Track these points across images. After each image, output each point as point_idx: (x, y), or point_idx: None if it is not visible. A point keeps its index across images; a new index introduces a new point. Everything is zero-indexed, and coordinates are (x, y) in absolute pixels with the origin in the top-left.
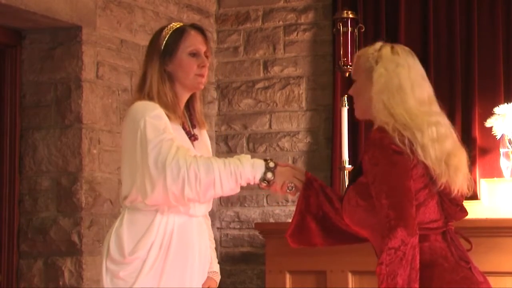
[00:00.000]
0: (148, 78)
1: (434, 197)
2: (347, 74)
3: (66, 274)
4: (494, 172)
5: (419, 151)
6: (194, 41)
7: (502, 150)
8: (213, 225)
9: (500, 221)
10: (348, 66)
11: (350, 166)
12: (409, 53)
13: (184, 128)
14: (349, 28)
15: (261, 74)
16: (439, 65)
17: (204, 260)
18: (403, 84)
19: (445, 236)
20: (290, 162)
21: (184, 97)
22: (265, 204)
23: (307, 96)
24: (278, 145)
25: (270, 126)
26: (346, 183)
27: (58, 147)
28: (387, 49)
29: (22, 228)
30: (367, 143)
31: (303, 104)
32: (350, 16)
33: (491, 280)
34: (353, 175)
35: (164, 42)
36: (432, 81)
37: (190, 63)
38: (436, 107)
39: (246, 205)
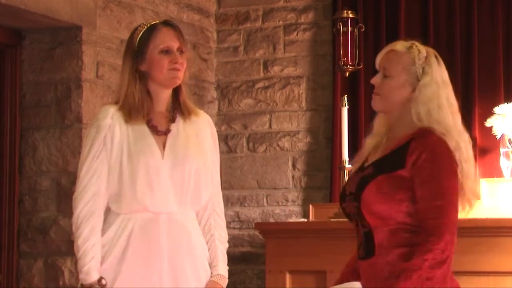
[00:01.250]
0: (120, 79)
1: None
2: (347, 74)
3: (66, 274)
4: (494, 172)
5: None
6: (164, 38)
7: (502, 150)
8: None
9: (500, 221)
10: (348, 66)
11: (350, 165)
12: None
13: (151, 126)
14: (349, 28)
15: (261, 74)
16: None
17: (181, 259)
18: (450, 99)
19: None
20: (290, 162)
21: (163, 94)
22: (265, 204)
23: (307, 96)
24: (278, 145)
25: (270, 126)
26: None
27: (58, 147)
28: (432, 58)
29: (22, 228)
30: (423, 141)
31: (303, 104)
32: (350, 16)
33: (491, 280)
34: (384, 165)
35: (137, 41)
36: None
37: (162, 60)
38: (460, 126)
39: (246, 204)
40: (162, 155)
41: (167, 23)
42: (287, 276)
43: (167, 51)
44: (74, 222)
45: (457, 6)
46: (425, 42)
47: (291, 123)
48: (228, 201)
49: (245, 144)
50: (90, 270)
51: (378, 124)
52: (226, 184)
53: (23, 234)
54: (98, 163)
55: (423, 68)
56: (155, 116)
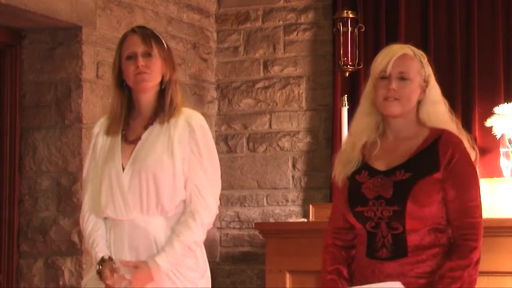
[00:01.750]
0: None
1: None
2: (347, 74)
3: (66, 274)
4: (494, 172)
5: None
6: (129, 44)
7: (502, 150)
8: (213, 225)
9: (500, 221)
10: (348, 66)
11: None
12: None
13: (123, 135)
14: (349, 28)
15: (261, 74)
16: (439, 65)
17: (143, 257)
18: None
19: None
20: (290, 162)
21: (143, 99)
22: (265, 204)
23: (307, 96)
24: (278, 145)
25: (270, 126)
26: None
27: (58, 147)
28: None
29: (22, 228)
30: (450, 142)
31: (303, 104)
32: (350, 16)
33: (491, 280)
34: (418, 168)
35: (117, 48)
36: None
37: (128, 67)
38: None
39: (246, 205)
40: (126, 164)
41: (134, 30)
42: (287, 276)
43: (131, 57)
44: (80, 222)
45: (457, 6)
46: (425, 42)
47: (291, 123)
48: (228, 201)
49: (245, 144)
50: (97, 255)
51: (366, 124)
52: (226, 184)
53: (23, 234)
54: (92, 168)
55: (429, 70)
56: (134, 123)
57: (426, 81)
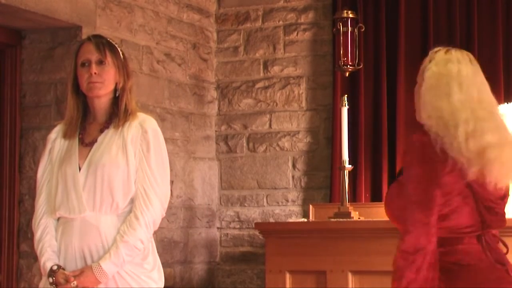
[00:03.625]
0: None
1: (469, 204)
2: (347, 74)
3: None
4: None
5: (450, 145)
6: (83, 51)
7: None
8: (213, 224)
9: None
10: (348, 66)
11: (350, 166)
12: (465, 54)
13: (80, 138)
14: (349, 28)
15: (261, 74)
16: None
17: (92, 260)
18: (450, 80)
19: (480, 239)
20: (290, 162)
21: (97, 104)
22: (265, 204)
23: (307, 96)
24: (278, 145)
25: (270, 126)
26: (346, 183)
27: None
28: (442, 50)
29: (22, 228)
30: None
31: (303, 104)
32: (350, 15)
33: None
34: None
35: (74, 56)
36: None
37: (81, 73)
38: (488, 106)
39: (246, 205)
40: (82, 164)
41: (90, 38)
42: (287, 276)
43: (85, 64)
44: (32, 224)
45: (457, 6)
46: (425, 42)
47: (291, 123)
48: (228, 201)
49: (245, 144)
50: (45, 265)
51: None
52: (226, 184)
53: (23, 234)
54: (47, 172)
55: (429, 60)
56: (90, 127)
57: None
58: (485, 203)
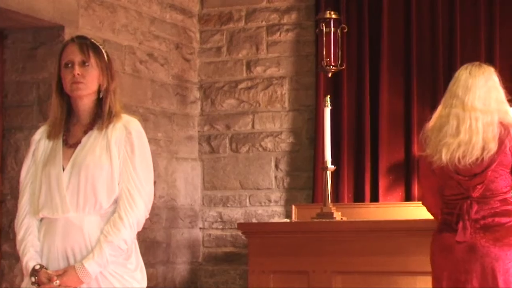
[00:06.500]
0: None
1: (453, 180)
2: (330, 75)
3: None
4: None
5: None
6: (67, 52)
7: None
8: (195, 225)
9: None
10: (331, 67)
11: (332, 166)
12: (468, 68)
13: (64, 139)
14: (332, 29)
15: (244, 74)
16: (422, 65)
17: (75, 260)
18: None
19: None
20: (273, 162)
21: (81, 105)
22: (248, 204)
23: (290, 97)
24: (261, 145)
25: (253, 126)
26: (329, 184)
27: None
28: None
29: (4, 229)
30: None
31: (286, 104)
32: (333, 16)
33: None
34: None
35: (58, 56)
36: (415, 81)
37: (65, 74)
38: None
39: (229, 205)
40: (66, 165)
41: (73, 39)
42: (270, 276)
43: (68, 65)
44: (15, 225)
45: (440, 7)
46: (408, 43)
47: (274, 124)
48: (211, 202)
49: (227, 145)
50: (27, 265)
51: None
52: (209, 184)
53: (5, 234)
54: (31, 173)
55: None
56: (74, 128)
57: None
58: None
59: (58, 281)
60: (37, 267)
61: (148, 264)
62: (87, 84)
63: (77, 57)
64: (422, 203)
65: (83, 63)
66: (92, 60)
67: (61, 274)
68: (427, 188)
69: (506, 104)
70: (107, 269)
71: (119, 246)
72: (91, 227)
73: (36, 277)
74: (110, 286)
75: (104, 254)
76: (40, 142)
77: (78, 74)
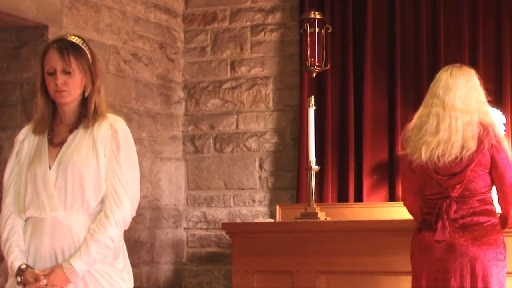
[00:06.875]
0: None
1: (433, 179)
2: (314, 75)
3: None
4: None
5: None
6: (49, 60)
7: None
8: (179, 225)
9: None
10: (315, 67)
11: (317, 166)
12: (449, 69)
13: (49, 138)
14: (316, 29)
15: (228, 74)
16: (406, 64)
17: (64, 259)
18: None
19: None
20: (257, 162)
21: (66, 108)
22: (232, 204)
23: (274, 97)
24: (245, 145)
25: (237, 126)
26: (313, 184)
27: None
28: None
29: None
30: None
31: (270, 105)
32: (317, 16)
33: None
34: None
35: (40, 59)
36: (398, 81)
37: (49, 82)
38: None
39: (213, 205)
40: (52, 164)
41: (54, 44)
42: (254, 276)
43: (51, 73)
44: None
45: (424, 6)
46: (392, 43)
47: (258, 124)
48: (195, 202)
49: (212, 145)
50: (13, 264)
51: None
52: (193, 184)
53: None
54: (15, 173)
55: None
56: (58, 128)
57: None
58: (438, 172)
59: (45, 281)
60: (23, 266)
61: (132, 264)
62: (70, 91)
63: (59, 65)
64: (404, 204)
65: (65, 71)
66: (74, 66)
67: (48, 273)
68: (407, 188)
69: (486, 105)
70: (95, 268)
71: (106, 244)
72: (80, 226)
73: (22, 277)
74: (98, 285)
75: (91, 253)
76: (24, 142)
77: (61, 83)
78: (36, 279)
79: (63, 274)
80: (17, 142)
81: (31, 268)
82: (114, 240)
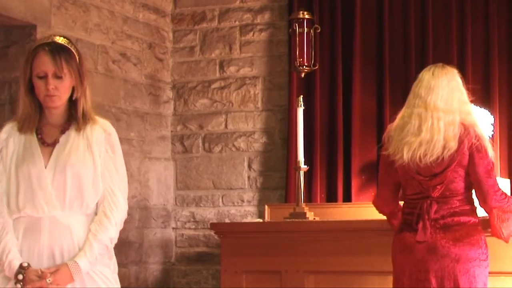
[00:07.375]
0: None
1: (414, 179)
2: (303, 75)
3: None
4: None
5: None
6: (39, 63)
7: None
8: (168, 225)
9: None
10: (304, 67)
11: (305, 166)
12: (431, 69)
13: (39, 138)
14: (305, 29)
15: (217, 74)
16: (395, 64)
17: (63, 259)
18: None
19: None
20: (246, 162)
21: (54, 111)
22: (220, 204)
23: (263, 96)
24: (234, 145)
25: (226, 126)
26: (302, 184)
27: None
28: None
29: None
30: None
31: (259, 104)
32: (306, 16)
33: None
34: None
35: (27, 62)
36: (387, 80)
37: (38, 86)
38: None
39: (201, 205)
40: (46, 164)
41: (45, 47)
42: (242, 276)
43: (42, 77)
44: None
45: (412, 8)
46: (380, 43)
47: (247, 124)
48: (183, 201)
49: (200, 144)
50: (12, 263)
51: None
52: (182, 184)
53: None
54: (0, 170)
55: None
56: (47, 128)
57: None
58: (419, 172)
59: (51, 279)
60: (25, 264)
61: (120, 264)
62: (61, 96)
63: (50, 70)
64: (373, 202)
65: (56, 76)
66: (66, 71)
67: (54, 271)
68: (386, 183)
69: (469, 105)
70: (93, 268)
71: (106, 244)
72: (79, 227)
73: (24, 275)
74: (96, 286)
75: (94, 252)
76: (9, 140)
77: (52, 88)
78: (41, 277)
79: (69, 273)
80: (0, 141)
81: (31, 267)
82: (113, 240)
